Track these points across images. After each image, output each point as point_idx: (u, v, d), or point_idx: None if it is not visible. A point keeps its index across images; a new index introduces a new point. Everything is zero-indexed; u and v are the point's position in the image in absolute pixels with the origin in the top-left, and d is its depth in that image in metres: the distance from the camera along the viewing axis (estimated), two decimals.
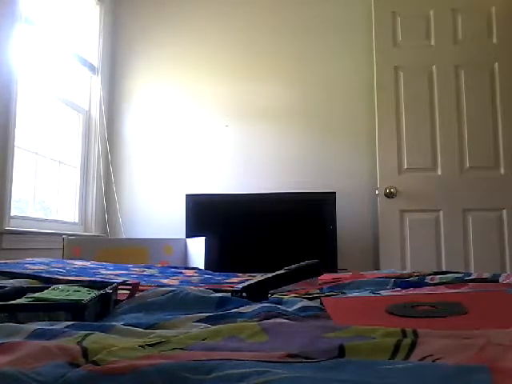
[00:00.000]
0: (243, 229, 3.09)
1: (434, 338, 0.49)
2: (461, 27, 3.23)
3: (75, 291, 0.86)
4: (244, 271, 1.69)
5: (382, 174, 3.14)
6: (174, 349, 0.52)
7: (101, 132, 3.50)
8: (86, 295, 0.83)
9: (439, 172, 3.14)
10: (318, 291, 1.08)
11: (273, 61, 3.56)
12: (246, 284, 1.02)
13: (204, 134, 3.56)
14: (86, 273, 1.44)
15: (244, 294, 0.97)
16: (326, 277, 1.33)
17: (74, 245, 2.61)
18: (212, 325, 0.67)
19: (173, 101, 3.62)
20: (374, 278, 1.23)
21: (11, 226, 2.54)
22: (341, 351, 0.47)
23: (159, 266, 1.92)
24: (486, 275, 1.24)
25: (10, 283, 1.06)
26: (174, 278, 1.47)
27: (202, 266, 2.53)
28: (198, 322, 0.72)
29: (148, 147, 3.61)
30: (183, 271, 1.73)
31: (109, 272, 1.51)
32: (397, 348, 0.47)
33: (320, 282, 1.25)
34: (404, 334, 0.52)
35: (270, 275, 1.05)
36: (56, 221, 3.12)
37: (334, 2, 3.55)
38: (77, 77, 3.44)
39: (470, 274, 1.27)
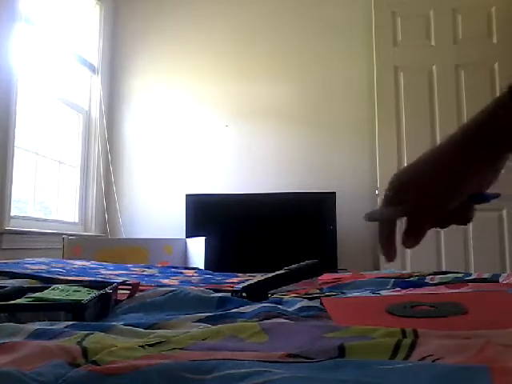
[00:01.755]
0: (243, 229, 3.09)
1: (434, 338, 0.49)
2: (461, 27, 3.24)
3: (75, 291, 0.86)
4: (244, 271, 1.69)
5: (382, 173, 3.14)
6: (173, 349, 0.52)
7: (101, 132, 3.51)
8: (86, 295, 0.83)
9: None
10: (318, 291, 1.08)
11: (273, 61, 3.56)
12: (246, 284, 1.02)
13: (204, 134, 3.56)
14: (85, 273, 1.44)
15: (244, 294, 0.97)
16: (326, 277, 1.33)
17: (74, 245, 2.61)
18: (212, 325, 0.67)
19: (173, 101, 3.62)
20: (374, 278, 1.23)
21: (11, 226, 2.54)
22: (341, 351, 0.47)
23: (159, 266, 1.92)
24: (485, 275, 1.24)
25: (9, 283, 1.06)
26: (174, 277, 1.46)
27: (202, 266, 2.53)
28: (197, 321, 0.72)
29: (148, 147, 3.61)
30: (183, 271, 1.73)
31: (109, 272, 1.51)
32: (397, 348, 0.47)
33: (320, 282, 1.25)
34: (404, 334, 0.52)
35: (270, 275, 1.05)
36: (56, 221, 3.12)
37: (334, 2, 3.55)
38: (77, 77, 3.44)
39: (470, 274, 1.27)
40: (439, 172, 0.57)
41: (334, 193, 3.09)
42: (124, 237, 3.44)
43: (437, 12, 3.26)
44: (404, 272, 1.48)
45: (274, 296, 1.00)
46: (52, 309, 0.74)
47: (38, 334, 0.58)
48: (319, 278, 1.27)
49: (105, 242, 3.11)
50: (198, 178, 3.51)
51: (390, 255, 0.62)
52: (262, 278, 1.04)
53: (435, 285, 1.10)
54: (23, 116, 2.78)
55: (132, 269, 1.65)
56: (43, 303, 0.79)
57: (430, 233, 0.59)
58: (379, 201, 3.13)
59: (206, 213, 3.14)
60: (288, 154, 3.47)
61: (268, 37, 3.58)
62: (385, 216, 0.62)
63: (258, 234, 3.09)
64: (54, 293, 0.85)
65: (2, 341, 0.53)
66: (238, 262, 2.83)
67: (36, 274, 1.23)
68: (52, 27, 3.10)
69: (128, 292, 0.95)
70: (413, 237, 0.59)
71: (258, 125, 3.53)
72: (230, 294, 0.99)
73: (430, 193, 0.58)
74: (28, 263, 1.52)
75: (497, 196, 0.60)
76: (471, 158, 0.57)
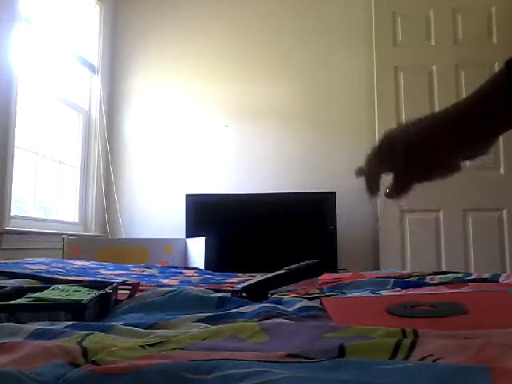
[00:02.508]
0: (243, 229, 3.09)
1: (434, 338, 0.49)
2: (461, 27, 3.24)
3: (75, 291, 0.86)
4: (244, 271, 1.69)
5: None
6: (174, 349, 0.52)
7: (101, 132, 3.51)
8: (86, 295, 0.83)
9: None
10: (318, 291, 1.08)
11: (273, 61, 3.56)
12: (245, 284, 1.02)
13: (204, 134, 3.56)
14: (85, 273, 1.44)
15: (244, 294, 0.97)
16: (326, 277, 1.33)
17: (74, 245, 2.61)
18: (212, 325, 0.67)
19: (173, 101, 3.62)
20: (374, 278, 1.23)
21: (11, 226, 2.54)
22: (341, 351, 0.47)
23: (159, 266, 1.92)
24: (485, 275, 1.24)
25: (9, 283, 1.06)
26: (173, 277, 1.46)
27: (202, 266, 2.53)
28: (197, 321, 0.72)
29: (148, 147, 3.61)
30: (183, 271, 1.73)
31: (109, 272, 1.51)
32: (397, 348, 0.47)
33: (320, 282, 1.25)
34: (404, 334, 0.52)
35: (270, 275, 1.05)
36: (56, 221, 3.12)
37: (334, 2, 3.55)
38: (77, 77, 3.44)
39: (470, 274, 1.27)
40: (431, 139, 0.60)
41: (334, 193, 3.09)
42: (124, 237, 3.44)
43: (437, 12, 3.26)
44: (404, 272, 1.48)
45: (274, 296, 1.00)
46: (52, 309, 0.74)
47: (38, 334, 0.58)
48: (319, 277, 1.27)
49: (105, 242, 3.11)
50: (198, 178, 3.51)
51: (374, 190, 0.66)
52: (262, 277, 1.04)
53: (435, 285, 1.10)
54: (23, 116, 2.78)
55: (132, 269, 1.65)
56: (43, 303, 0.79)
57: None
58: (379, 200, 3.13)
59: (206, 213, 3.14)
60: (288, 154, 3.47)
61: (268, 37, 3.58)
62: (372, 169, 0.66)
63: (258, 234, 3.09)
64: (53, 293, 0.85)
65: (2, 341, 0.53)
66: (238, 262, 2.83)
67: (36, 273, 1.23)
68: (52, 27, 3.10)
69: (128, 292, 0.95)
70: (398, 192, 0.63)
71: (258, 125, 3.53)
72: (230, 294, 0.99)
73: (419, 156, 0.61)
74: (28, 263, 1.52)
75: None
76: (466, 132, 0.58)
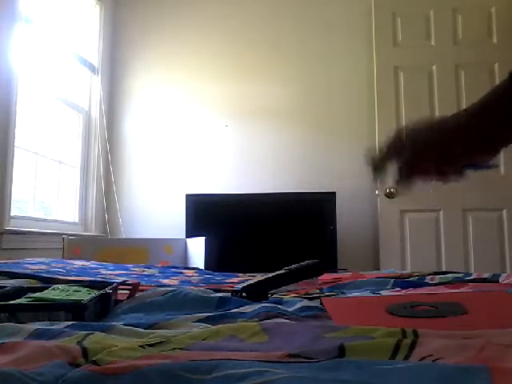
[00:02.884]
0: (243, 229, 3.09)
1: (434, 338, 0.49)
2: (461, 27, 3.23)
3: (75, 291, 0.86)
4: (244, 271, 1.69)
5: None
6: (174, 349, 0.52)
7: (101, 132, 3.50)
8: (86, 295, 0.83)
9: None
10: (318, 291, 1.08)
11: (273, 61, 3.56)
12: (245, 284, 1.02)
13: (204, 134, 3.56)
14: (85, 273, 1.44)
15: (244, 294, 0.97)
16: (326, 277, 1.33)
17: (74, 245, 2.61)
18: (212, 325, 0.67)
19: (173, 101, 3.62)
20: (374, 278, 1.23)
21: (11, 226, 2.54)
22: (341, 351, 0.47)
23: (159, 266, 1.92)
24: (485, 275, 1.24)
25: (10, 283, 1.06)
26: (174, 277, 1.47)
27: (202, 266, 2.53)
28: (197, 321, 0.72)
29: (148, 147, 3.61)
30: (183, 271, 1.73)
31: (109, 272, 1.51)
32: (397, 348, 0.47)
33: (320, 282, 1.25)
34: (404, 334, 0.52)
35: (270, 275, 1.05)
36: (56, 221, 3.12)
37: (334, 2, 3.55)
38: (77, 77, 3.44)
39: (470, 274, 1.27)
40: (438, 141, 0.62)
41: (334, 193, 3.09)
42: (124, 237, 3.44)
43: (437, 12, 3.26)
44: (404, 272, 1.48)
45: (274, 296, 1.00)
46: (52, 309, 0.74)
47: (38, 334, 0.58)
48: (319, 277, 1.27)
49: (105, 241, 3.11)
50: (198, 178, 3.51)
51: (379, 171, 0.71)
52: (262, 277, 1.05)
53: (435, 285, 1.10)
54: (23, 116, 2.78)
55: (132, 269, 1.65)
56: (43, 303, 0.79)
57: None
58: (379, 201, 3.13)
59: (206, 213, 3.14)
60: (288, 154, 3.47)
61: (268, 37, 3.58)
62: (381, 155, 0.70)
63: (258, 233, 3.09)
64: (53, 293, 0.85)
65: (2, 341, 0.53)
66: (238, 262, 2.83)
67: (36, 274, 1.23)
68: (52, 27, 3.10)
69: (128, 292, 0.95)
70: (401, 183, 0.67)
71: (258, 125, 3.52)
72: (229, 294, 0.99)
73: (425, 153, 0.64)
74: (28, 263, 1.52)
75: (493, 166, 0.62)
76: (468, 140, 0.59)
